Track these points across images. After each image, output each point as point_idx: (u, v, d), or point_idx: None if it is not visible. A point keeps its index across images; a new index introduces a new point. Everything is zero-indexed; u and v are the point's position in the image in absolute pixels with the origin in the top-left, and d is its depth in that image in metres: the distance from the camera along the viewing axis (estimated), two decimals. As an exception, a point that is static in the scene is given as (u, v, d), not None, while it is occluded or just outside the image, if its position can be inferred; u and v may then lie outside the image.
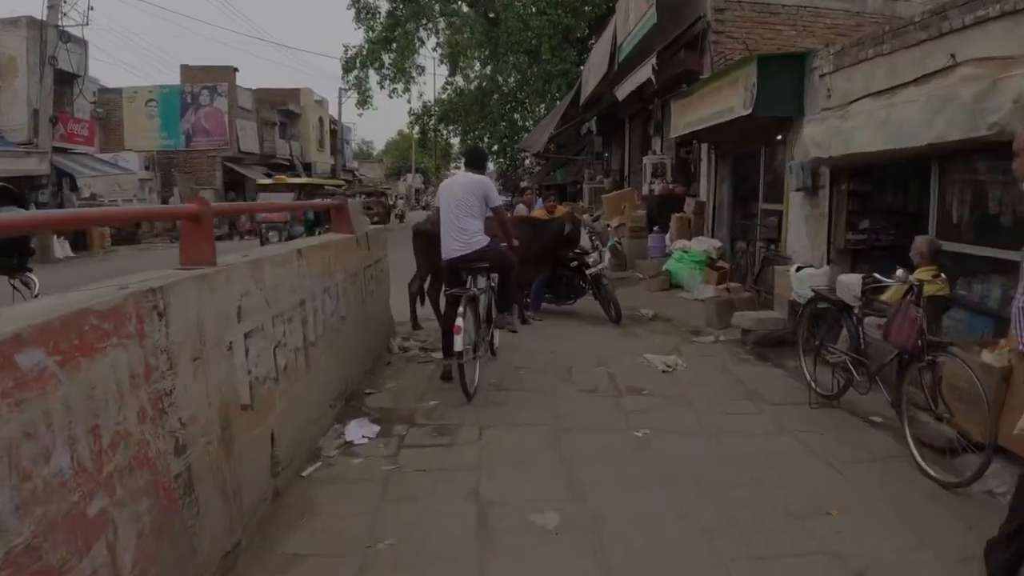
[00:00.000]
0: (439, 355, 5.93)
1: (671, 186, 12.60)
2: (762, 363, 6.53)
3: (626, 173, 18.01)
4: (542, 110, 27.23)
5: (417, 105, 31.88)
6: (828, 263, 7.14)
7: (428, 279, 7.33)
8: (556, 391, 5.45)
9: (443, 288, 5.92)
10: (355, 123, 56.19)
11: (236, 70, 35.84)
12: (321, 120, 43.95)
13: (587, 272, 8.26)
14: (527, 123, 29.27)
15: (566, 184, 25.74)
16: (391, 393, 5.36)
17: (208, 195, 29.53)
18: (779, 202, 8.73)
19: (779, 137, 8.68)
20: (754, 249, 9.54)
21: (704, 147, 11.21)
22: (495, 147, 29.74)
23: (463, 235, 5.34)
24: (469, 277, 5.42)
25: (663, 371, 6.13)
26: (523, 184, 31.05)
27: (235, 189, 33.19)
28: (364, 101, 26.73)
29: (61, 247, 18.42)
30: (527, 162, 32.23)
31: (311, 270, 4.09)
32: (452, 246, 5.39)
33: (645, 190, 13.37)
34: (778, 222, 8.82)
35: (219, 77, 32.47)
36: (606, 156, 21.50)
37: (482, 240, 5.41)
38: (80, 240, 20.05)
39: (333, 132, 45.60)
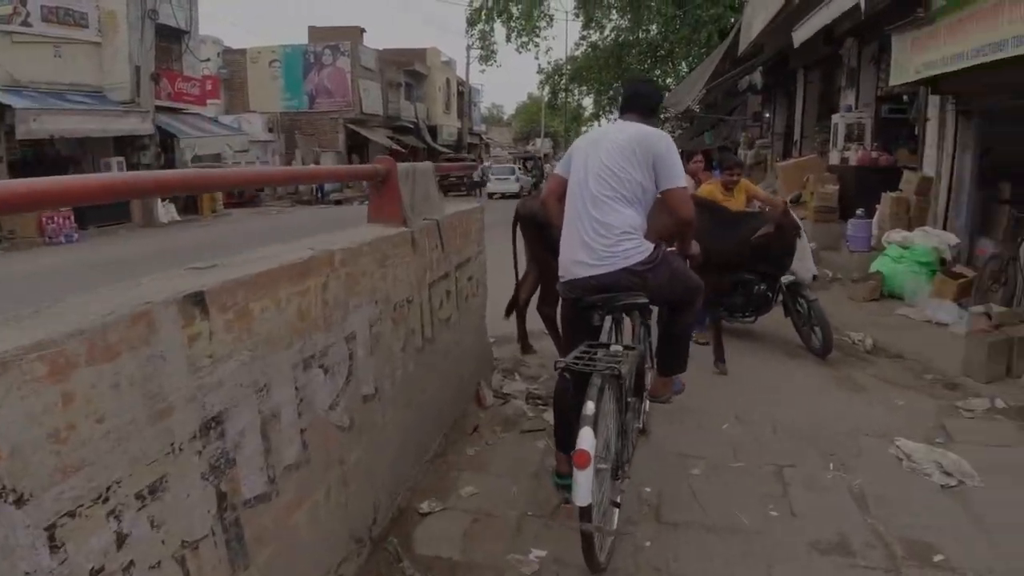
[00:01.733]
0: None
1: (875, 154, 9.44)
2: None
3: (796, 137, 14.70)
4: (684, 68, 23.88)
5: (546, 62, 29.40)
6: None
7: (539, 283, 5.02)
8: (767, 539, 2.94)
9: (560, 319, 3.47)
10: (483, 85, 54.33)
11: (363, 30, 35.07)
12: (448, 81, 42.35)
13: (780, 279, 5.55)
14: (668, 80, 25.95)
15: (713, 150, 22.37)
16: (465, 517, 3.06)
17: (330, 158, 28.85)
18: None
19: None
20: (1018, 254, 6.39)
21: (936, 102, 8.01)
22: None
23: (602, 236, 2.92)
24: (608, 319, 2.98)
25: (942, 486, 3.46)
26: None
27: (358, 152, 32.28)
28: (488, 56, 24.57)
29: (166, 210, 17.65)
30: (667, 125, 28.83)
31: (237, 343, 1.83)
32: (578, 256, 2.97)
33: (835, 158, 10.28)
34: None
35: (346, 37, 31.45)
36: (767, 116, 18.10)
37: (640, 248, 2.95)
38: (190, 203, 19.34)
39: (460, 94, 43.94)
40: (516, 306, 5.37)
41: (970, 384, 5.05)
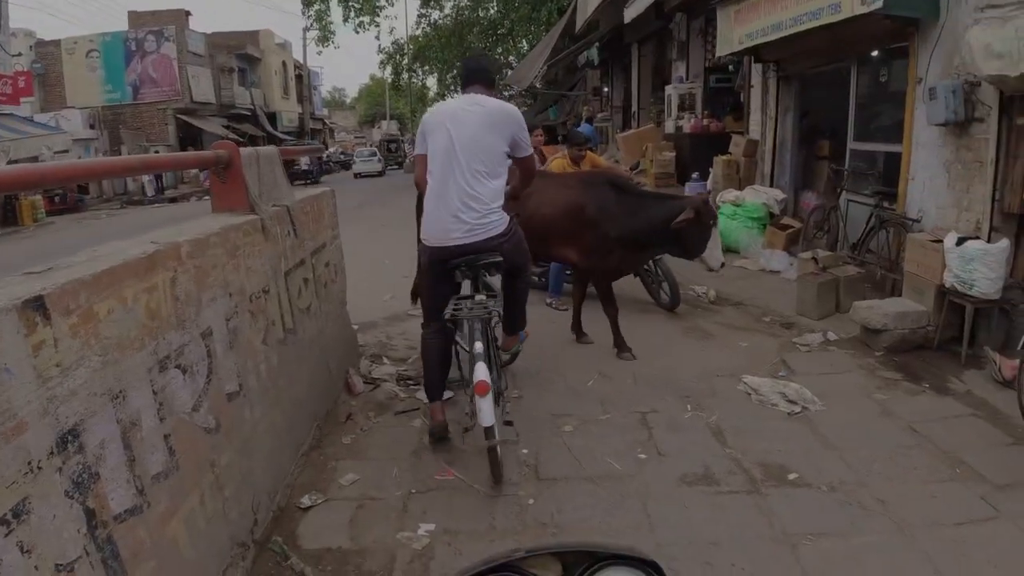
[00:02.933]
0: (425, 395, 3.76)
1: (706, 122, 10.12)
2: (917, 385, 4.28)
3: (633, 109, 15.43)
4: (524, 46, 24.28)
5: (388, 43, 28.82)
6: (991, 231, 4.81)
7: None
8: (640, 480, 3.14)
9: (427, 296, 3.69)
10: (322, 67, 52.40)
11: (189, 13, 32.59)
12: (285, 65, 40.37)
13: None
14: (511, 58, 26.27)
15: (556, 125, 22.99)
16: (348, 505, 3.02)
17: (161, 152, 26.71)
18: (889, 140, 6.34)
19: (876, 52, 6.26)
20: (837, 204, 7.15)
21: (759, 69, 8.69)
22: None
23: (472, 210, 3.25)
24: (466, 278, 3.41)
25: (788, 414, 3.85)
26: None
27: (192, 144, 30.14)
28: (325, 38, 23.68)
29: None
30: (512, 102, 29.22)
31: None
32: (449, 227, 3.26)
33: (670, 127, 10.91)
34: (883, 168, 6.47)
35: (171, 22, 29.08)
36: (606, 91, 18.85)
37: (502, 220, 3.35)
38: (8, 215, 17.29)
39: (299, 78, 42.08)
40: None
41: (804, 322, 5.60)
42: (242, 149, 3.01)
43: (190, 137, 29.76)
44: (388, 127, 61.83)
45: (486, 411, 2.89)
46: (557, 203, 4.76)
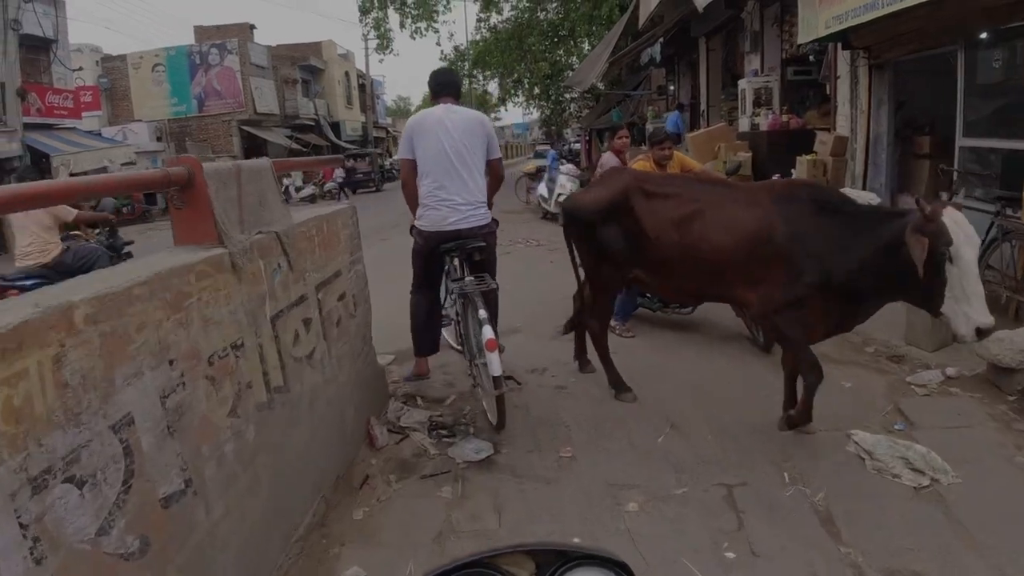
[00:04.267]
0: (461, 448, 3.41)
1: (785, 117, 9.14)
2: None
3: (702, 108, 14.44)
4: (586, 47, 23.41)
5: (448, 49, 28.51)
6: None
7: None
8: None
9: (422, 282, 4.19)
10: (384, 76, 52.76)
11: (253, 27, 33.22)
12: (348, 75, 40.69)
13: None
14: (571, 60, 25.46)
15: (621, 127, 22.03)
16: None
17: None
18: (1013, 136, 5.34)
19: (990, 33, 5.24)
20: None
21: (847, 57, 7.71)
22: (536, 89, 26.05)
23: (466, 202, 3.88)
24: (455, 264, 4.01)
25: (915, 488, 2.99)
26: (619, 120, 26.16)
27: (256, 155, 30.54)
28: (384, 45, 23.44)
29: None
30: (572, 106, 28.35)
31: None
32: (446, 214, 3.86)
33: (744, 125, 9.96)
34: (1005, 169, 5.45)
35: (235, 36, 29.58)
36: (671, 89, 17.86)
37: (488, 215, 4.05)
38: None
39: (362, 87, 42.35)
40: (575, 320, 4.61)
41: (916, 354, 4.67)
42: (215, 164, 2.38)
43: (255, 148, 30.14)
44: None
45: (495, 363, 3.35)
46: (735, 227, 3.38)
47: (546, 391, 4.31)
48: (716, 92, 13.59)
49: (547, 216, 14.05)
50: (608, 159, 5.86)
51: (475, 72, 28.34)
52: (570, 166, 13.61)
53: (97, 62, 27.42)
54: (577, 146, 23.93)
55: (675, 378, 4.36)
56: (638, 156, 5.58)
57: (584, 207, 3.88)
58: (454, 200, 3.79)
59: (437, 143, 3.79)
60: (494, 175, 4.11)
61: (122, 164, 21.16)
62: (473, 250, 3.84)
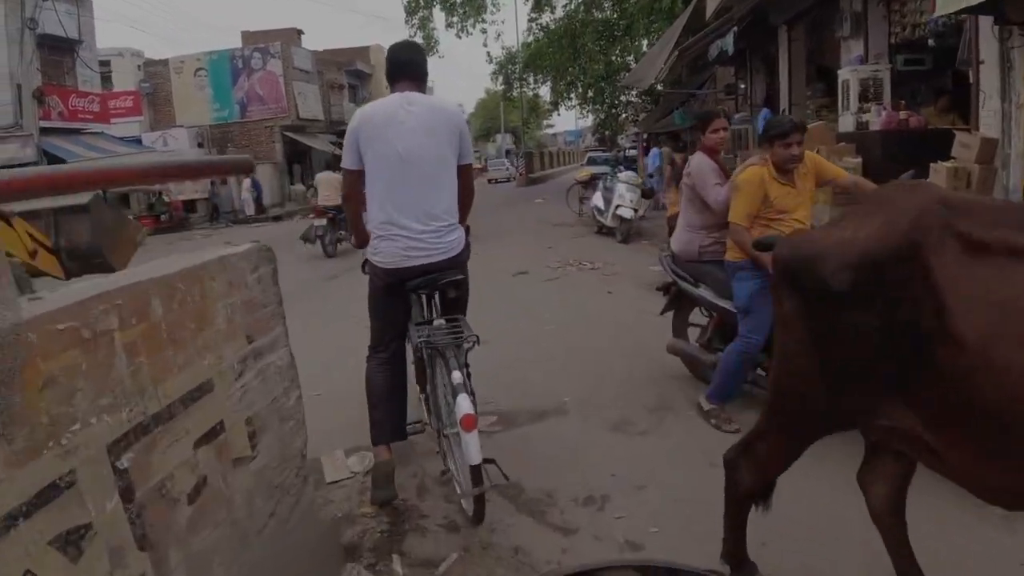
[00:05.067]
0: None
1: (903, 115, 7.31)
2: None
3: (783, 106, 12.58)
4: (644, 46, 21.68)
5: (497, 51, 27.29)
6: None
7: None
8: None
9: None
10: (435, 81, 51.98)
11: (301, 32, 32.67)
12: (396, 79, 39.91)
13: None
14: (627, 59, 23.75)
15: (681, 131, 20.09)
16: None
17: (266, 170, 26.34)
18: None
19: None
20: None
21: (992, 36, 5.89)
22: (590, 92, 24.40)
23: (429, 228, 2.98)
24: (422, 302, 3.23)
25: None
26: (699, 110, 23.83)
27: (299, 162, 29.80)
28: (430, 46, 22.23)
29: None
30: (630, 107, 26.55)
31: None
32: (407, 243, 2.96)
33: (847, 124, 8.15)
34: None
35: (282, 40, 28.90)
36: (742, 87, 16.01)
37: (460, 239, 3.11)
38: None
39: (411, 92, 41.53)
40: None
41: None
42: None
43: (298, 154, 29.38)
44: (503, 140, 60.73)
45: (473, 448, 2.59)
46: None
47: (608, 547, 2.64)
48: (800, 88, 11.76)
49: (602, 231, 12.51)
50: (700, 163, 4.06)
51: (526, 75, 26.97)
52: (630, 173, 12.05)
53: (139, 67, 26.99)
54: (633, 152, 22.24)
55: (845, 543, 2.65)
56: (749, 160, 3.83)
57: (830, 263, 1.77)
58: (412, 228, 2.95)
59: (387, 147, 2.93)
60: (464, 187, 3.18)
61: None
62: (447, 285, 3.08)
